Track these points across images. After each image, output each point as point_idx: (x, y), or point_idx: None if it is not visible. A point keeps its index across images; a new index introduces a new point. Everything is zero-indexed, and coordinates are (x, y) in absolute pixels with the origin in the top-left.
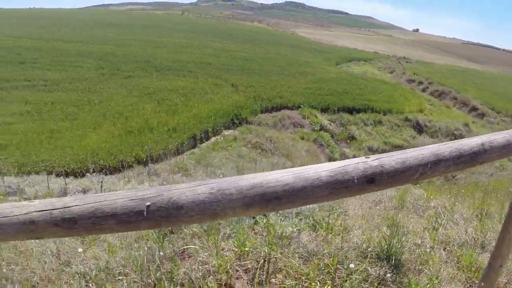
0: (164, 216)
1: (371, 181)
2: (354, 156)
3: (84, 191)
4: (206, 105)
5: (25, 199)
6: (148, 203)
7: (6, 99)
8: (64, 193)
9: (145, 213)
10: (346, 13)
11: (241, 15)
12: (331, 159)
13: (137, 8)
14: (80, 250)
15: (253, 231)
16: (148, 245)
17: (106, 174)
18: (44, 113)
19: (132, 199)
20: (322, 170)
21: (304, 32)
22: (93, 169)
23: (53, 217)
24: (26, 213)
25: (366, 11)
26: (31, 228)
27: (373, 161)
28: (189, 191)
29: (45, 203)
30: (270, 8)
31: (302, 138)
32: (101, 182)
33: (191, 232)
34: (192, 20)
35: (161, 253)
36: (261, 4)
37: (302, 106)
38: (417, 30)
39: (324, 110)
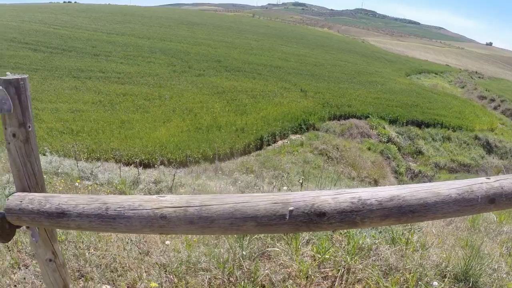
0: (305, 222)
1: (492, 201)
2: (420, 172)
3: (156, 183)
4: (274, 108)
5: (97, 184)
6: (291, 208)
7: (81, 88)
8: (136, 182)
9: (287, 217)
10: (417, 23)
11: (311, 20)
12: (396, 172)
13: (209, 9)
14: (168, 242)
15: (331, 239)
16: (228, 244)
17: (173, 167)
18: (116, 104)
19: (275, 203)
20: (452, 187)
21: (374, 41)
22: (161, 161)
23: (188, 215)
24: (158, 208)
25: (437, 21)
26: (161, 223)
27: (494, 182)
28: (332, 198)
29: (179, 200)
30: (340, 14)
31: (369, 149)
32: (174, 175)
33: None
34: (262, 23)
35: (244, 253)
36: (331, 10)
37: (370, 116)
38: (490, 44)
39: (393, 121)
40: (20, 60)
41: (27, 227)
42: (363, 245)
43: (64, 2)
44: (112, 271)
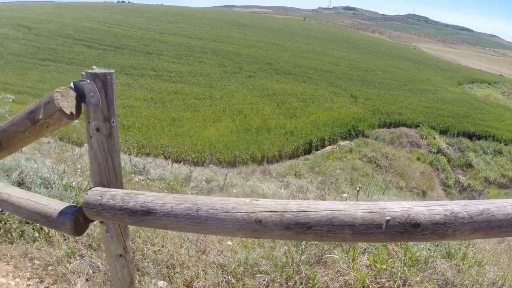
0: (400, 232)
1: None
2: (469, 186)
3: (208, 181)
4: (324, 113)
5: (150, 179)
6: (388, 218)
7: (133, 85)
8: (188, 180)
9: (383, 226)
10: (470, 30)
11: (362, 25)
12: (445, 185)
13: (259, 11)
14: (229, 243)
15: (388, 250)
16: (285, 247)
17: (222, 167)
18: (167, 102)
19: (372, 212)
20: None
21: (425, 47)
22: (210, 160)
23: (284, 220)
24: (252, 212)
25: (490, 29)
26: (255, 227)
27: None
28: (427, 210)
29: (276, 204)
30: (391, 20)
31: (418, 159)
32: (226, 175)
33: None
34: (313, 27)
35: (302, 258)
36: (382, 15)
37: (420, 125)
38: None
39: (443, 132)
40: (75, 56)
41: (101, 222)
42: (419, 257)
43: (118, 1)
44: (169, 268)
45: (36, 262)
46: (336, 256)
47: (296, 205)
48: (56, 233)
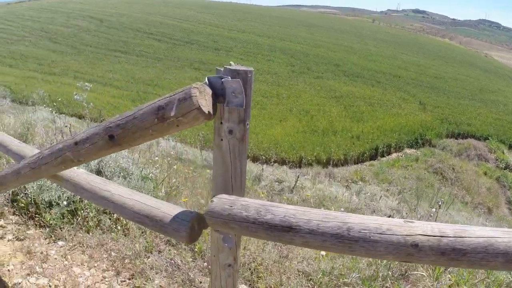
0: None
1: None
2: None
3: (279, 181)
4: (391, 119)
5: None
6: None
7: (201, 79)
8: (258, 178)
9: None
10: None
11: (431, 29)
12: (511, 203)
13: (328, 12)
14: (323, 253)
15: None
16: (369, 259)
17: (288, 167)
18: None
19: None
20: None
21: (497, 56)
22: (275, 160)
23: (441, 245)
24: (409, 235)
25: None
26: (410, 251)
27: None
28: None
29: (432, 228)
30: (461, 25)
31: (485, 174)
32: (297, 177)
33: None
34: (382, 29)
35: (389, 273)
36: (452, 19)
37: (490, 138)
38: None
39: None
40: (145, 49)
41: (216, 230)
42: (503, 280)
43: None
44: (251, 272)
45: (113, 253)
46: (420, 274)
47: (451, 230)
48: (134, 225)
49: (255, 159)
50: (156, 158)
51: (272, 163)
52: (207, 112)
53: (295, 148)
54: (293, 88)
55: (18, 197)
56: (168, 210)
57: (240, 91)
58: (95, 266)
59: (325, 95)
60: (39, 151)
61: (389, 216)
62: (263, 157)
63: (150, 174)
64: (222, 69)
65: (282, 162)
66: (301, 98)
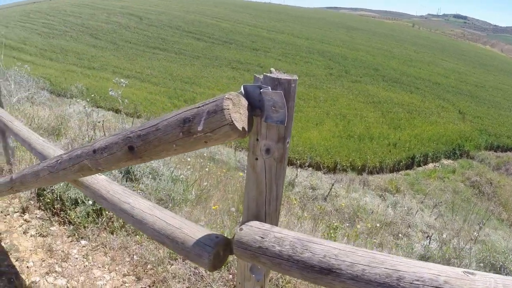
0: None
1: None
2: None
3: (312, 188)
4: (429, 127)
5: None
6: None
7: (238, 79)
8: (292, 184)
9: None
10: None
11: (472, 35)
12: None
13: (366, 14)
14: None
15: None
16: None
17: (323, 172)
18: None
19: None
20: None
21: None
22: (309, 164)
23: None
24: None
25: None
26: None
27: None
28: None
29: (496, 283)
30: (503, 32)
31: None
32: (332, 185)
33: None
34: (422, 34)
35: None
36: (494, 25)
37: None
38: None
39: None
40: (184, 47)
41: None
42: None
43: None
44: None
45: (135, 257)
46: None
47: None
48: None
49: (289, 163)
50: (189, 158)
51: (307, 167)
52: (241, 129)
53: (331, 153)
54: (330, 91)
55: (44, 192)
56: (191, 232)
57: (281, 104)
58: (116, 270)
59: (363, 99)
60: (60, 154)
61: (427, 237)
62: (298, 161)
63: (181, 175)
64: (261, 76)
65: (317, 167)
66: (339, 102)
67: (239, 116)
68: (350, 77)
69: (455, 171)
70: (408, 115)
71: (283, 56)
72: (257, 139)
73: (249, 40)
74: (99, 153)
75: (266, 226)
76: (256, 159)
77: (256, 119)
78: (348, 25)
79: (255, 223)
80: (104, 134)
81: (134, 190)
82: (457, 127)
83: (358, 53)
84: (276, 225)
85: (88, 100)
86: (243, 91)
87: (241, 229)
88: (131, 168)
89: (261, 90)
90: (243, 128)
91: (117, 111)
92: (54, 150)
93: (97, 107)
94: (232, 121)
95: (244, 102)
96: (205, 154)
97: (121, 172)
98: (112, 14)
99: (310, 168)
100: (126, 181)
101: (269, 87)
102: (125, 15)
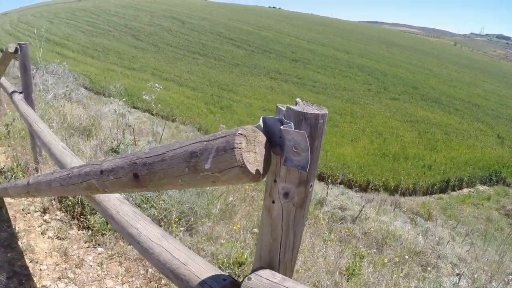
0: None
1: None
2: None
3: (342, 209)
4: (466, 150)
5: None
6: None
7: (276, 90)
8: (322, 202)
9: None
10: None
11: None
12: None
13: (408, 31)
14: None
15: None
16: None
17: (354, 190)
18: None
19: None
20: None
21: None
22: (341, 181)
23: None
24: None
25: None
26: None
27: None
28: None
29: None
30: None
31: None
32: (362, 207)
33: None
34: (464, 54)
35: None
36: None
37: None
38: None
39: None
40: (223, 53)
41: None
42: None
43: (269, 7)
44: None
45: (150, 270)
46: None
47: None
48: None
49: (320, 179)
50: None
51: (338, 184)
52: (254, 172)
53: (364, 170)
54: (367, 107)
55: None
56: (197, 270)
57: (304, 147)
58: (129, 282)
59: (400, 118)
60: (72, 167)
61: (457, 274)
62: (330, 178)
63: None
64: (283, 108)
65: (348, 184)
66: (375, 119)
67: (253, 156)
68: (388, 94)
69: (490, 198)
70: (445, 137)
71: (322, 68)
72: (275, 180)
73: (289, 50)
74: (105, 175)
75: (278, 278)
76: (273, 202)
77: (275, 157)
78: (389, 40)
79: (266, 273)
80: (134, 139)
81: (156, 201)
82: (495, 152)
83: (398, 69)
84: (291, 276)
85: (125, 100)
86: (261, 124)
87: (249, 278)
88: None
89: (281, 127)
90: (257, 171)
91: (152, 113)
92: (71, 159)
93: (134, 108)
94: (243, 163)
95: (262, 138)
96: None
97: None
98: (156, 16)
99: (342, 186)
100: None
101: (292, 123)
102: (168, 18)
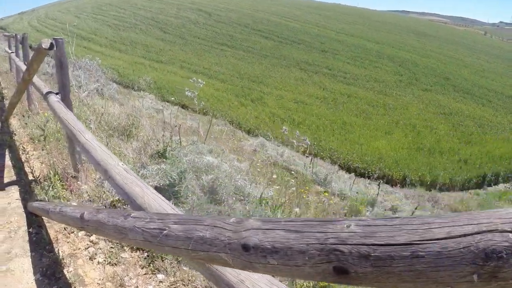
0: None
1: None
2: None
3: (393, 210)
4: (501, 144)
5: (328, 193)
6: None
7: (306, 81)
8: (372, 204)
9: None
10: None
11: None
12: None
13: (437, 20)
14: None
15: None
16: None
17: (390, 185)
18: (339, 103)
19: None
20: None
21: None
22: (378, 176)
23: None
24: None
25: None
26: None
27: None
28: None
29: None
30: None
31: None
32: (415, 208)
33: None
34: (495, 43)
35: None
36: None
37: None
38: None
39: None
40: (252, 45)
41: None
42: None
43: None
44: None
45: None
46: None
47: None
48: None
49: (358, 174)
50: (274, 176)
51: (375, 179)
52: None
53: (400, 165)
54: (400, 99)
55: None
56: None
57: None
58: None
59: (433, 110)
60: (165, 220)
61: None
62: (363, 170)
63: (268, 194)
64: None
65: (384, 179)
66: (408, 111)
67: None
68: (420, 85)
69: None
70: (480, 130)
71: (352, 59)
72: None
73: (318, 41)
74: (257, 253)
75: None
76: None
77: None
78: (418, 30)
79: None
80: (180, 140)
81: (219, 214)
82: None
83: (429, 60)
84: None
85: (155, 93)
86: None
87: None
88: (216, 187)
89: None
90: None
91: (183, 106)
92: (141, 188)
93: (163, 101)
94: None
95: None
96: (279, 160)
97: (204, 193)
98: (182, 9)
99: (379, 180)
100: (211, 202)
101: None
102: (194, 10)
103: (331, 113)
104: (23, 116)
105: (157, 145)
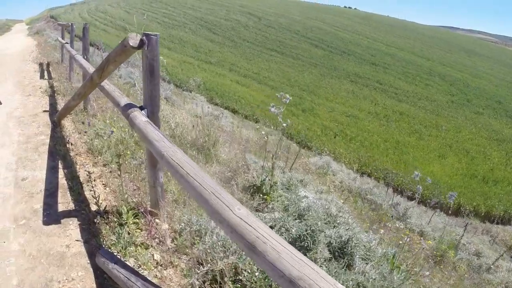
0: None
1: None
2: None
3: (477, 255)
4: None
5: (409, 229)
6: None
7: (358, 94)
8: (456, 247)
9: None
10: None
11: None
12: None
13: (484, 38)
14: None
15: None
16: None
17: (447, 215)
18: (392, 121)
19: None
20: None
21: None
22: (435, 203)
23: None
24: None
25: None
26: None
27: None
28: None
29: None
30: None
31: None
32: (501, 254)
33: None
34: None
35: None
36: None
37: None
38: None
39: None
40: (301, 52)
41: None
42: None
43: (344, 7)
44: None
45: None
46: None
47: None
48: None
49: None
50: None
51: (430, 207)
52: None
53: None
54: (452, 120)
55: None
56: None
57: None
58: None
59: (485, 135)
60: None
61: None
62: (422, 198)
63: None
64: None
65: (440, 207)
66: (461, 134)
67: None
68: (472, 107)
69: None
70: None
71: (403, 75)
72: None
73: (368, 53)
74: None
75: None
76: None
77: None
78: (468, 48)
79: None
80: (272, 168)
81: (352, 282)
82: None
83: (481, 81)
84: None
85: (205, 95)
86: None
87: None
88: (347, 248)
89: None
90: None
91: (233, 110)
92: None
93: (212, 104)
94: None
95: None
96: (354, 186)
97: (335, 257)
98: (232, 11)
99: (438, 210)
100: (343, 268)
101: None
102: (244, 13)
103: (384, 131)
104: (77, 115)
105: (244, 173)
